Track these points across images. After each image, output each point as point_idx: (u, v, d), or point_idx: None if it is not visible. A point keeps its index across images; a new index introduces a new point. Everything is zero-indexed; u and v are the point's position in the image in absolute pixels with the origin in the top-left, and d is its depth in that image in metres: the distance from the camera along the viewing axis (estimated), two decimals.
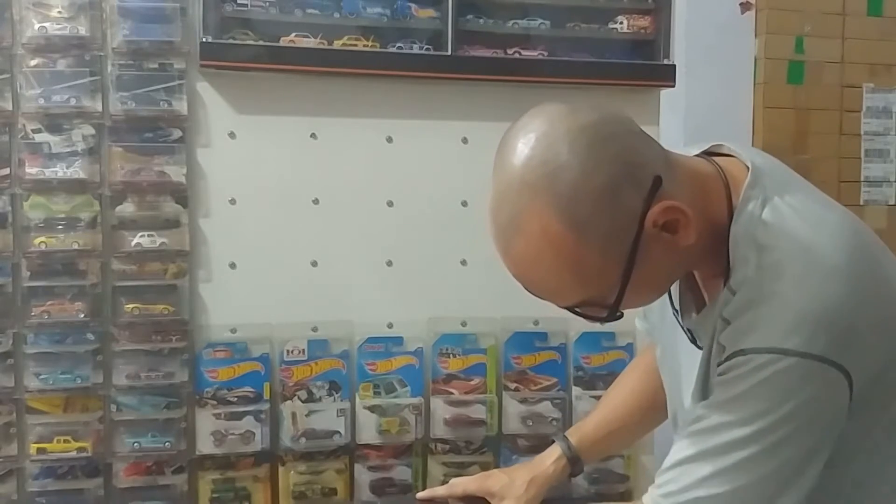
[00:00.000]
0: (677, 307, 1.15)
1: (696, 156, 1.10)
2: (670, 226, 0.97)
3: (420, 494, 1.47)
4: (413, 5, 1.83)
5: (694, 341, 1.11)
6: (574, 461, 1.43)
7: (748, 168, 1.05)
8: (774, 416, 0.95)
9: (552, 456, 1.44)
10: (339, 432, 1.80)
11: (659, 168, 0.97)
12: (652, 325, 1.30)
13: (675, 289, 1.15)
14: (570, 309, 1.03)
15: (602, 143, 0.94)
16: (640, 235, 0.95)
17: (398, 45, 1.83)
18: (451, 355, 1.87)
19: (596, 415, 1.48)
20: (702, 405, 1.02)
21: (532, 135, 0.96)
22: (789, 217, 1.02)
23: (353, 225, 1.86)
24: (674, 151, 1.05)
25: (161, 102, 1.72)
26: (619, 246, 0.95)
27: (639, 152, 0.97)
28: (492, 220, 0.99)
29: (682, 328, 1.13)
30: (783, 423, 0.95)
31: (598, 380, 1.92)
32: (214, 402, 1.76)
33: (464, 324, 1.90)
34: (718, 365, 1.01)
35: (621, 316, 1.02)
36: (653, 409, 1.42)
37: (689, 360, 1.12)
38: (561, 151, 0.94)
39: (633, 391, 1.45)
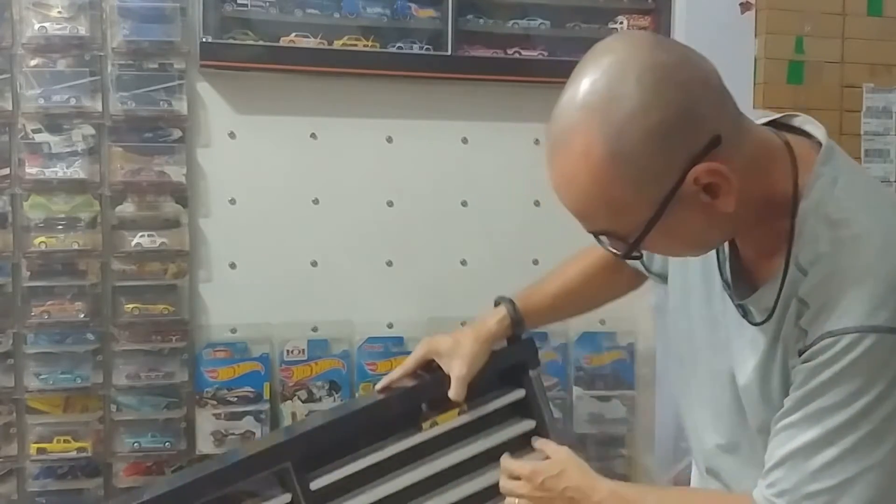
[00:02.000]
0: (728, 280, 1.11)
1: (767, 123, 1.07)
2: (711, 189, 0.95)
3: (378, 386, 1.44)
4: (413, 5, 1.83)
5: (745, 316, 1.08)
6: (517, 323, 1.43)
7: (820, 144, 1.02)
8: (872, 395, 0.93)
9: (497, 315, 1.43)
10: None
11: (723, 128, 0.94)
12: (672, 287, 1.25)
13: (723, 260, 1.11)
14: (595, 234, 1.02)
15: (670, 86, 0.92)
16: (679, 187, 0.93)
17: (398, 45, 1.83)
18: None
19: (546, 285, 1.47)
20: (792, 396, 0.99)
21: (610, 58, 0.95)
22: (861, 194, 1.00)
23: (353, 225, 1.86)
24: (748, 118, 1.01)
25: (161, 102, 1.72)
26: (654, 190, 0.94)
27: (704, 105, 0.94)
28: (548, 130, 0.98)
29: (733, 301, 1.10)
30: (882, 401, 0.93)
31: (598, 380, 1.92)
32: (214, 402, 1.76)
33: (464, 324, 1.88)
34: (801, 352, 0.98)
35: (639, 256, 1.02)
36: (601, 294, 1.45)
37: (738, 332, 1.09)
38: (628, 81, 0.92)
39: (585, 274, 1.44)
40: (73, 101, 1.69)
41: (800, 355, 0.98)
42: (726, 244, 1.09)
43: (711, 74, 0.96)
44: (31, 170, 1.68)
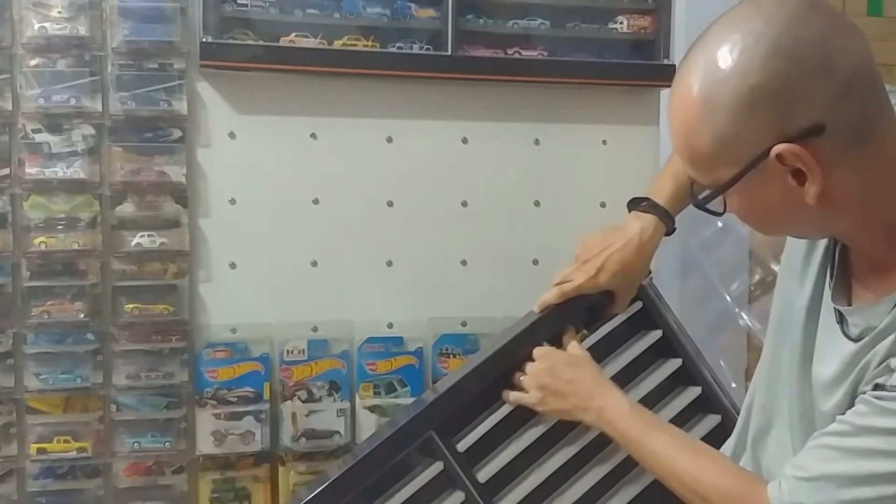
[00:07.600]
0: (831, 279, 1.06)
1: None
2: (800, 175, 0.91)
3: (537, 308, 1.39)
4: (413, 5, 1.83)
5: (841, 322, 1.04)
6: (669, 221, 1.36)
7: None
8: None
9: (649, 226, 1.34)
10: (339, 432, 1.80)
11: (836, 123, 0.89)
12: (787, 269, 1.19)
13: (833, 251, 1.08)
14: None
15: (783, 58, 0.89)
16: (762, 160, 0.91)
17: (398, 45, 1.83)
18: (451, 355, 1.87)
19: (670, 174, 1.38)
20: (850, 420, 0.97)
21: (754, 10, 0.93)
22: None
23: (353, 225, 1.86)
24: None
25: (161, 102, 1.72)
26: (734, 153, 0.92)
27: (816, 91, 0.89)
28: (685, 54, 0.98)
29: (832, 301, 1.06)
30: None
31: None
32: (214, 402, 1.76)
33: (464, 324, 1.90)
34: (879, 386, 0.95)
35: (715, 213, 0.99)
36: None
37: (828, 329, 1.05)
38: (748, 38, 0.90)
39: None
40: (73, 101, 1.69)
41: (875, 388, 0.95)
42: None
43: (842, 67, 0.89)
44: (31, 170, 1.68)
